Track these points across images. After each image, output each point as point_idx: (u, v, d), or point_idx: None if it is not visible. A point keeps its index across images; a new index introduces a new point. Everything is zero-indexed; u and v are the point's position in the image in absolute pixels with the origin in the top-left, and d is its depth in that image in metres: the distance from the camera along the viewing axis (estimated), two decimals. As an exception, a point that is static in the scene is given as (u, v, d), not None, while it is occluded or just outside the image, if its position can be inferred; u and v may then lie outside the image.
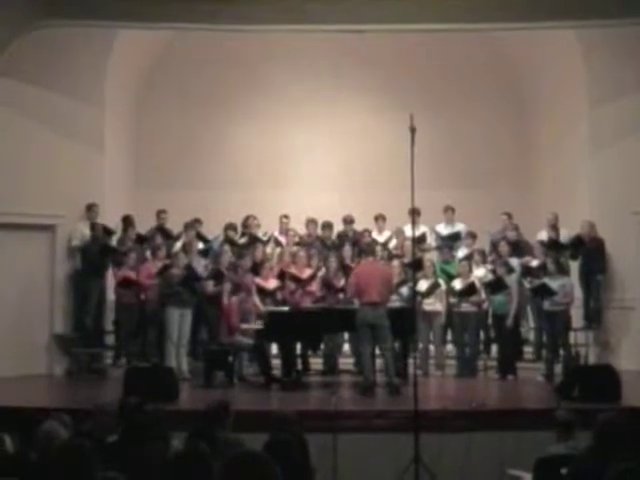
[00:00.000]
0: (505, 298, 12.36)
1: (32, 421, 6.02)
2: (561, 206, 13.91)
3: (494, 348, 12.85)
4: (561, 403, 8.95)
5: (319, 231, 13.95)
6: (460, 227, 13.96)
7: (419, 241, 13.24)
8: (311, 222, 13.98)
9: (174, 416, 7.92)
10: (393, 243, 13.75)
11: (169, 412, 7.78)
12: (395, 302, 12.22)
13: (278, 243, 13.77)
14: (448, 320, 12.91)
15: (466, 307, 12.69)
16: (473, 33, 14.51)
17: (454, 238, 13.85)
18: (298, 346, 12.37)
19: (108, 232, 13.27)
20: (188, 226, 13.29)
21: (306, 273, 12.70)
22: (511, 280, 12.43)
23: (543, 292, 12.07)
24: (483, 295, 12.64)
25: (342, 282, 12.77)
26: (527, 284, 12.63)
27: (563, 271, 12.42)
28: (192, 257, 12.70)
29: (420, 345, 12.69)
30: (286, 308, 12.22)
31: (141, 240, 13.44)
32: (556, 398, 9.77)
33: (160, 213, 13.68)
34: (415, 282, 11.84)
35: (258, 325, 12.03)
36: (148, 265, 12.74)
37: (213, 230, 13.70)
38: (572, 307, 12.33)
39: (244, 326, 12.02)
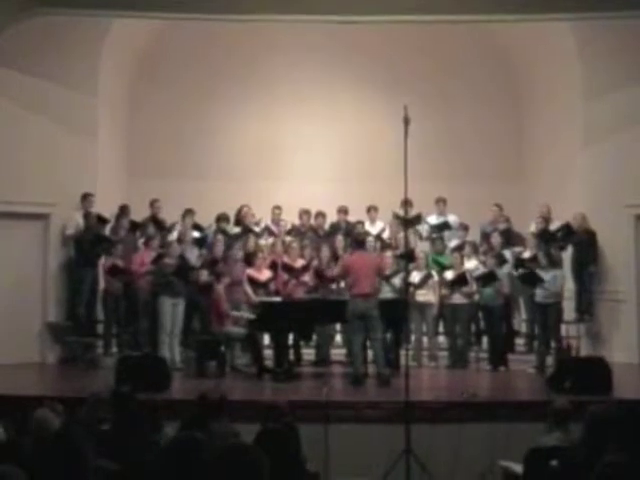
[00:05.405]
0: (494, 290, 12.40)
1: (25, 409, 6.02)
2: (555, 199, 13.93)
3: (485, 340, 12.91)
4: (552, 395, 9.00)
5: (312, 221, 13.98)
6: (450, 218, 13.99)
7: (414, 221, 13.30)
8: (304, 213, 14.00)
9: (166, 406, 7.94)
10: (386, 234, 13.78)
11: (161, 402, 7.79)
12: (387, 293, 12.28)
13: (271, 233, 13.77)
14: (440, 311, 12.95)
15: (457, 299, 12.72)
16: (468, 25, 14.52)
17: (443, 228, 13.86)
18: (290, 337, 12.38)
19: (103, 221, 13.27)
20: (186, 214, 13.31)
21: (299, 263, 12.72)
22: (502, 272, 12.48)
23: (532, 280, 12.08)
24: (474, 287, 12.67)
25: (335, 273, 12.81)
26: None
27: (555, 263, 12.43)
28: (185, 247, 12.72)
29: (413, 336, 12.74)
30: (278, 299, 12.25)
31: (134, 227, 13.44)
32: (547, 390, 9.83)
33: (154, 202, 13.68)
34: (408, 273, 11.87)
35: (250, 314, 12.07)
36: (141, 254, 12.75)
37: (206, 220, 13.71)
38: (564, 299, 12.37)
39: (234, 313, 12.05)
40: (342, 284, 12.68)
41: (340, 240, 13.31)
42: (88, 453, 3.97)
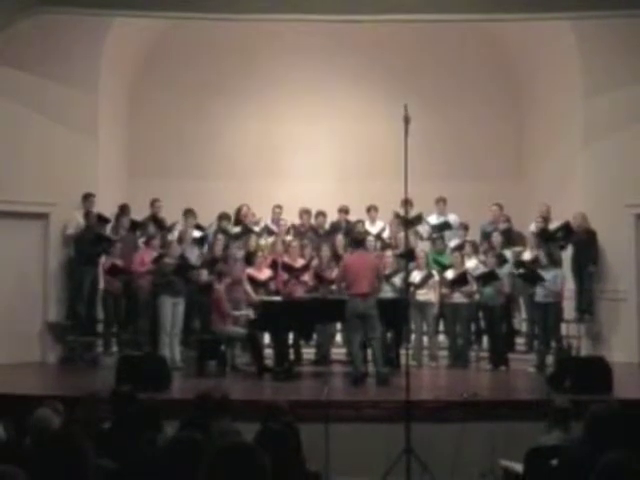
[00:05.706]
0: (495, 289, 12.40)
1: (25, 409, 6.02)
2: (555, 198, 13.92)
3: (485, 339, 12.91)
4: (552, 394, 8.99)
5: (312, 220, 13.98)
6: (451, 217, 13.99)
7: (414, 221, 13.31)
8: (305, 212, 14.00)
9: (166, 405, 7.92)
10: (387, 233, 13.78)
11: (161, 401, 7.78)
12: (387, 293, 12.28)
13: (271, 232, 13.76)
14: (441, 311, 12.95)
15: (458, 298, 12.72)
16: (469, 25, 14.53)
17: (443, 227, 13.87)
18: (290, 336, 12.38)
19: (104, 220, 13.27)
20: (187, 214, 13.30)
21: (299, 263, 12.72)
22: (503, 272, 12.48)
23: (532, 278, 12.08)
24: (475, 286, 12.66)
25: (335, 272, 12.80)
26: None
27: (555, 263, 12.43)
28: (185, 246, 12.71)
29: (413, 336, 12.74)
30: (279, 298, 12.24)
31: (135, 227, 13.43)
32: (547, 389, 9.82)
33: (154, 202, 13.66)
34: (408, 273, 11.86)
35: (249, 312, 12.07)
36: (141, 253, 12.73)
37: (207, 220, 13.71)
38: (564, 299, 12.37)
39: (235, 313, 12.06)
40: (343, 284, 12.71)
41: (340, 239, 13.32)
42: (88, 453, 3.96)
